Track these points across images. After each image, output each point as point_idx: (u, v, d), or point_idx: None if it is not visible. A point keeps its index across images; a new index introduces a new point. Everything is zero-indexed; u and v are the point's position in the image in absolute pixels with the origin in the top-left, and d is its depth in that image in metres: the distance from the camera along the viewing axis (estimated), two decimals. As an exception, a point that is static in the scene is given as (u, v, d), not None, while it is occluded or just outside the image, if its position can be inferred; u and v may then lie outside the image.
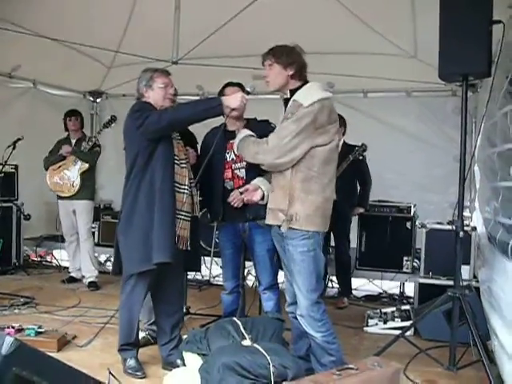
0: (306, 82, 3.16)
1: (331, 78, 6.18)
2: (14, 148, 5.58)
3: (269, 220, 3.14)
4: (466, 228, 3.77)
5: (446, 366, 3.60)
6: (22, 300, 4.99)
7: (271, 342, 3.21)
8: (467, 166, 3.61)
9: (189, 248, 3.51)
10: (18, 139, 5.66)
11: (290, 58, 3.10)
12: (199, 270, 4.22)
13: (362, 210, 5.59)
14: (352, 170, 5.24)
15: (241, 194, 3.55)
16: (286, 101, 3.15)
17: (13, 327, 3.87)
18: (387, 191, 6.15)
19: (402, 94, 6.46)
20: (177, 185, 3.44)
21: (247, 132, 3.29)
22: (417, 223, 5.39)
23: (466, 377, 3.53)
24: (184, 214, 3.47)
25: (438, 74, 3.55)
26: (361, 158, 5.26)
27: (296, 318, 3.26)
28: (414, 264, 5.63)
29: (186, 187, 3.49)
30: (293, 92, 3.11)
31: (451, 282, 3.75)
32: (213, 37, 5.29)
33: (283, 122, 3.04)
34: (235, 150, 3.33)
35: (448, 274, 4.50)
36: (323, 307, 3.11)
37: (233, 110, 3.29)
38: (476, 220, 5.22)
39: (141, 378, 3.45)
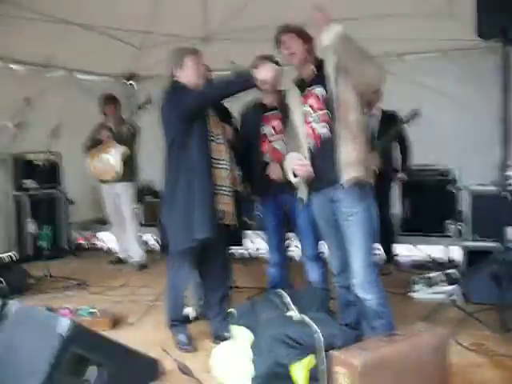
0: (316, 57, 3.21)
1: (364, 43, 6.05)
2: (58, 136, 5.69)
3: (349, 174, 2.97)
4: (510, 188, 3.70)
5: (495, 329, 3.57)
6: (74, 283, 5.17)
7: (318, 312, 3.24)
8: (510, 126, 3.53)
9: (236, 223, 3.57)
10: (58, 126, 5.77)
11: (306, 34, 3.19)
12: (241, 244, 4.26)
13: (404, 176, 5.51)
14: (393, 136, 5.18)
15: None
16: (299, 82, 3.20)
17: (68, 309, 4.01)
18: (428, 155, 6.03)
19: (438, 54, 6.30)
20: (215, 161, 3.48)
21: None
22: (460, 185, 5.30)
23: (515, 339, 3.50)
24: (226, 188, 3.52)
25: (477, 31, 3.45)
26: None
27: (343, 288, 3.30)
28: (459, 227, 5.55)
29: (225, 162, 3.52)
30: (320, 65, 3.14)
31: (498, 244, 3.71)
32: (242, 10, 5.25)
33: None
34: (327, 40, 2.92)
35: (494, 235, 4.42)
36: (377, 270, 3.15)
37: (265, 81, 3.29)
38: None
39: (191, 352, 3.54)
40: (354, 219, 3.03)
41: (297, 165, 3.13)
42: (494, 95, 5.31)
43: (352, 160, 2.98)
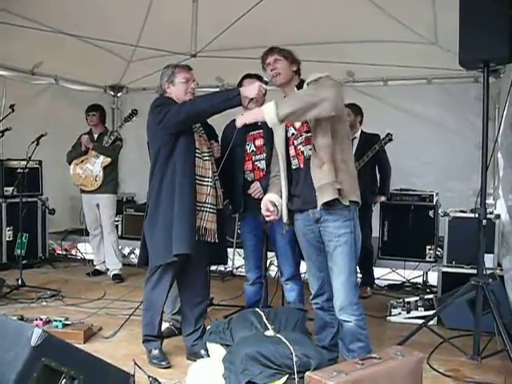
0: (302, 80, 3.24)
1: (350, 67, 6.17)
2: (37, 144, 5.66)
3: (328, 196, 2.95)
4: (489, 216, 3.74)
5: (470, 356, 3.58)
6: (48, 293, 5.08)
7: (294, 332, 3.22)
8: (489, 153, 3.57)
9: (217, 240, 3.56)
10: (42, 135, 5.72)
11: (292, 55, 3.23)
12: (226, 263, 4.25)
13: (383, 199, 5.55)
14: (372, 159, 5.23)
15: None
16: None
17: (41, 319, 3.94)
18: (409, 180, 6.11)
19: (423, 81, 6.38)
20: (199, 178, 3.47)
21: (269, 103, 3.02)
22: (439, 212, 5.34)
23: (490, 366, 3.50)
24: (209, 206, 3.51)
25: (459, 61, 3.51)
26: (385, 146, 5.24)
27: (320, 309, 3.29)
28: (437, 253, 5.59)
29: (210, 179, 3.51)
30: (300, 86, 3.16)
31: (475, 271, 3.73)
32: (231, 28, 5.28)
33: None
34: (274, 122, 2.93)
35: (472, 262, 4.46)
36: (358, 291, 3.14)
37: (251, 100, 3.30)
38: (500, 207, 5.16)
39: (165, 367, 3.49)
40: (342, 240, 3.03)
41: (265, 212, 3.20)
42: (475, 123, 5.44)
43: (322, 184, 2.97)
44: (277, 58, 3.18)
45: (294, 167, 3.19)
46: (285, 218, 3.24)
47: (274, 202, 3.24)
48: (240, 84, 3.93)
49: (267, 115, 2.91)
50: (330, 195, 2.96)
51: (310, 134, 3.08)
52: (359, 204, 3.11)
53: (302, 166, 3.13)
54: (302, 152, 3.12)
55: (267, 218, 3.27)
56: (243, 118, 3.11)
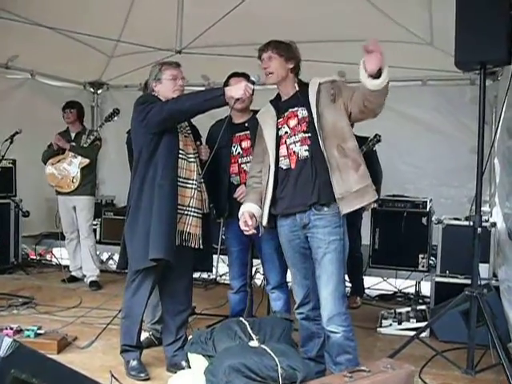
0: (300, 80, 3.25)
1: (343, 67, 6.17)
2: (11, 142, 5.61)
3: (364, 200, 3.02)
4: (484, 224, 3.76)
5: (464, 370, 3.59)
6: (20, 300, 5.04)
7: (279, 342, 3.22)
8: (485, 159, 3.59)
9: (201, 246, 3.54)
10: (16, 133, 5.69)
11: (289, 51, 3.19)
12: (211, 270, 4.24)
13: (374, 205, 5.55)
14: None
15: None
16: (278, 102, 3.25)
17: (11, 328, 3.90)
18: (402, 185, 6.14)
19: (418, 82, 6.42)
20: (183, 180, 3.46)
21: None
22: (433, 219, 5.37)
23: (484, 380, 3.51)
24: (193, 210, 3.50)
25: (455, 62, 3.53)
26: (374, 149, 5.24)
27: (306, 319, 3.29)
28: (430, 262, 5.61)
29: (195, 182, 3.50)
30: (302, 87, 3.18)
31: (469, 281, 3.74)
32: (218, 24, 5.29)
33: (341, 93, 3.08)
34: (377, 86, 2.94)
35: (466, 272, 4.48)
36: (346, 301, 3.14)
37: (237, 100, 3.29)
38: (496, 215, 5.20)
39: (144, 379, 3.46)
40: (332, 247, 3.03)
41: (243, 227, 3.23)
42: (471, 127, 5.47)
43: (361, 187, 3.02)
44: (271, 56, 3.16)
45: (283, 167, 3.18)
46: (264, 221, 3.23)
47: (252, 213, 3.24)
48: (226, 83, 3.91)
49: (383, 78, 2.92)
50: (372, 197, 3.04)
51: (307, 135, 3.08)
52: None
53: (293, 166, 3.13)
54: (295, 152, 3.12)
55: (246, 233, 3.28)
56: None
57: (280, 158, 3.19)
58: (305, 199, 3.06)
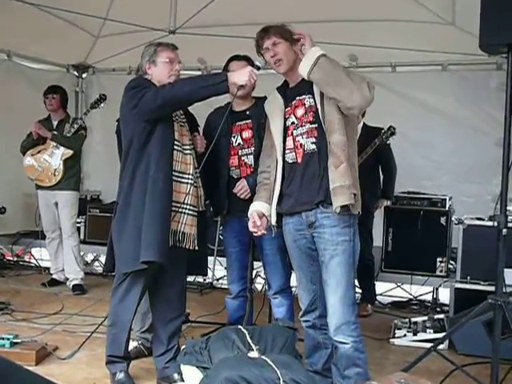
0: None
1: (354, 50, 6.18)
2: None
3: (343, 201, 2.96)
4: (510, 224, 3.75)
5: (487, 386, 3.59)
6: (-5, 306, 5.05)
7: (282, 353, 3.22)
8: (512, 152, 3.58)
9: (196, 248, 3.54)
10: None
11: (291, 33, 3.17)
12: (205, 274, 4.25)
13: (387, 203, 5.55)
14: (374, 157, 5.23)
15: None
16: (286, 88, 3.24)
17: (-16, 337, 3.91)
18: (418, 181, 6.13)
19: (437, 67, 6.41)
20: (178, 174, 3.45)
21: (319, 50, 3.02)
22: (453, 219, 5.36)
23: (510, 398, 3.53)
24: (189, 207, 3.49)
25: (479, 45, 3.50)
26: (388, 142, 5.24)
27: (312, 328, 3.29)
28: (450, 266, 5.61)
29: (190, 176, 3.50)
30: None
31: (493, 288, 3.74)
32: (216, 2, 5.27)
33: None
34: (311, 58, 2.97)
35: (489, 278, 4.48)
36: (356, 309, 3.14)
37: (240, 87, 3.29)
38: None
39: (132, 394, 3.47)
40: (340, 249, 3.03)
41: (251, 228, 3.27)
42: (497, 117, 5.45)
43: (337, 186, 2.98)
44: (275, 41, 3.14)
45: (289, 161, 3.18)
46: (273, 220, 3.24)
47: (262, 212, 3.26)
48: (226, 67, 3.91)
49: (306, 61, 2.97)
50: (347, 199, 2.97)
51: (314, 126, 3.08)
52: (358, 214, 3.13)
53: (299, 160, 3.13)
54: (302, 145, 3.12)
55: (255, 234, 3.32)
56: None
57: (286, 151, 3.19)
58: (311, 197, 3.06)
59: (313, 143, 3.08)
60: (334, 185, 2.98)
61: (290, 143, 3.18)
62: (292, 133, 3.17)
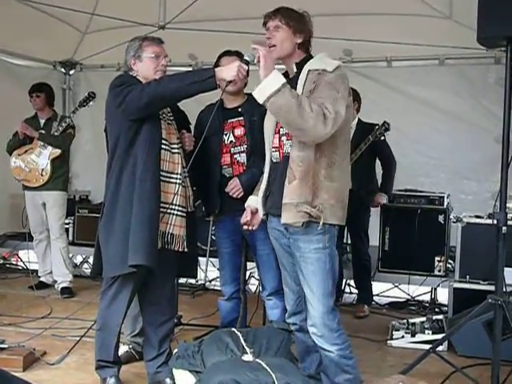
0: (309, 55, 3.16)
1: (348, 44, 6.17)
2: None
3: (288, 218, 2.97)
4: (510, 222, 3.74)
5: (488, 389, 3.59)
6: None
7: (277, 356, 3.23)
8: (511, 148, 3.58)
9: (186, 249, 3.53)
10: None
11: (300, 23, 3.10)
12: (195, 276, 4.24)
13: (384, 200, 5.53)
14: (370, 153, 5.25)
15: None
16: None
17: (-30, 342, 3.90)
18: (415, 179, 6.15)
19: (434, 61, 6.41)
20: (166, 174, 3.43)
21: (281, 79, 2.86)
22: (451, 217, 5.36)
23: (511, 401, 3.53)
24: (177, 208, 3.48)
25: (477, 38, 3.50)
26: (382, 138, 5.23)
27: (300, 331, 3.28)
28: (448, 266, 5.61)
29: (179, 176, 3.48)
30: (300, 65, 3.10)
31: (493, 288, 3.74)
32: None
33: (312, 93, 2.95)
34: (260, 97, 2.86)
35: (489, 277, 4.48)
36: (338, 315, 3.11)
37: (229, 82, 3.27)
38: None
39: (123, 400, 3.47)
40: (314, 257, 3.02)
41: (242, 221, 3.35)
42: (495, 113, 5.45)
43: (285, 202, 2.97)
44: (278, 25, 3.07)
45: (274, 160, 3.19)
46: (261, 213, 3.27)
47: (256, 208, 3.28)
48: (217, 63, 3.90)
49: (263, 87, 2.83)
50: (291, 218, 2.96)
51: None
52: (336, 226, 3.09)
53: (281, 160, 3.13)
54: (284, 145, 3.12)
55: (245, 228, 3.37)
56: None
57: (272, 150, 3.19)
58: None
59: (291, 146, 3.05)
60: (284, 200, 2.98)
61: (276, 141, 3.17)
62: (279, 131, 3.15)
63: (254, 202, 3.32)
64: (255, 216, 3.31)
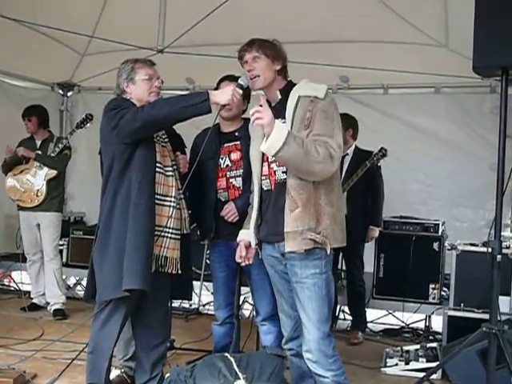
0: (289, 81, 3.20)
1: (345, 71, 6.23)
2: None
3: (293, 246, 2.97)
4: (505, 251, 3.75)
5: (481, 418, 3.57)
6: (-28, 331, 5.00)
7: (269, 382, 3.22)
8: (506, 177, 3.60)
9: (179, 272, 3.52)
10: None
11: (275, 51, 3.17)
12: (190, 299, 4.22)
13: (377, 233, 5.48)
14: (365, 183, 5.25)
15: None
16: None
17: (-41, 364, 3.87)
18: (411, 206, 6.16)
19: (430, 89, 6.47)
20: (160, 197, 3.43)
21: (284, 131, 2.87)
22: (446, 244, 5.37)
23: (505, 432, 3.50)
24: (171, 231, 3.47)
25: (473, 67, 3.54)
26: (379, 164, 5.25)
27: (296, 356, 3.27)
28: (443, 293, 5.62)
29: (173, 199, 3.48)
30: (285, 91, 3.13)
31: (487, 316, 3.73)
32: (205, 21, 5.30)
33: (310, 126, 2.99)
34: (268, 154, 2.98)
35: (483, 305, 4.48)
36: (334, 341, 3.11)
37: (223, 106, 3.28)
38: (517, 241, 5.21)
39: (113, 425, 3.43)
40: (310, 282, 3.02)
41: (238, 259, 3.37)
42: (490, 141, 5.49)
43: (289, 231, 2.98)
44: (256, 56, 3.12)
45: (264, 188, 3.20)
46: (253, 244, 3.27)
47: (249, 242, 3.29)
48: (217, 88, 3.91)
49: (270, 145, 2.85)
50: (296, 246, 2.97)
51: None
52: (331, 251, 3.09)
53: (273, 188, 3.14)
54: (275, 172, 3.13)
55: (242, 264, 3.42)
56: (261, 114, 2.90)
57: (262, 178, 3.21)
58: (281, 228, 3.03)
59: (283, 172, 3.06)
60: (287, 229, 2.99)
61: (265, 169, 3.19)
62: (267, 158, 3.16)
63: (246, 235, 3.31)
64: (249, 250, 3.32)
